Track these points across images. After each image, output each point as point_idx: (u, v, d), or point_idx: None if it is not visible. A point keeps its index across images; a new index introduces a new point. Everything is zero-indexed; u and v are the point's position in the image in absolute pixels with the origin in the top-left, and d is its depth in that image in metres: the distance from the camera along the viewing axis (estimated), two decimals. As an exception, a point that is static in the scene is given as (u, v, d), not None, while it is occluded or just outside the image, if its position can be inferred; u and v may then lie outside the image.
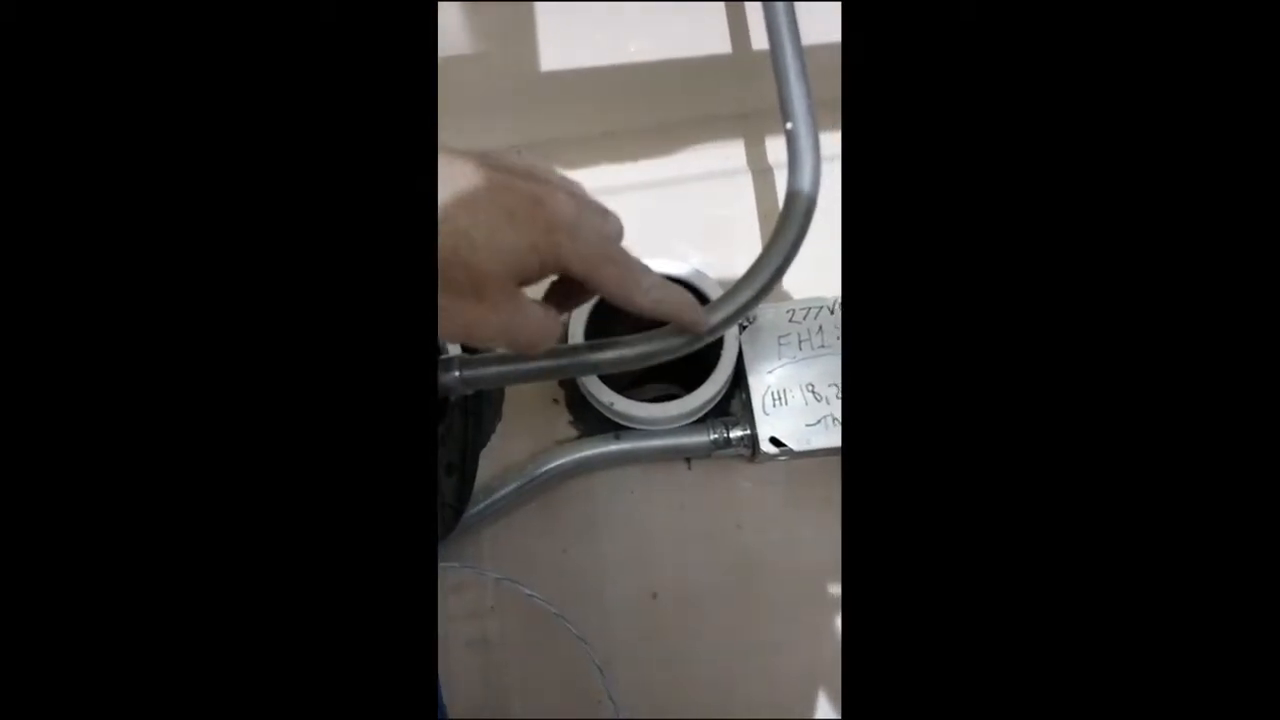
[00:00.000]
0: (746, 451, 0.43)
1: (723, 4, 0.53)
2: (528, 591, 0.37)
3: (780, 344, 0.42)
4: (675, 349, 0.32)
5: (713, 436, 0.42)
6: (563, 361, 0.33)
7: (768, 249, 0.33)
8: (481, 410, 0.40)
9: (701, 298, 0.43)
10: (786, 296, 0.47)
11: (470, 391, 0.34)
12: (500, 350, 0.28)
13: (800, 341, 0.42)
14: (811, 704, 0.43)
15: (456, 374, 0.32)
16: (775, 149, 0.53)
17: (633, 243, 0.51)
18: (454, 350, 0.39)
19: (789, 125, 0.35)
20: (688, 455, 0.45)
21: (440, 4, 0.50)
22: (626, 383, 0.47)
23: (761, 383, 0.42)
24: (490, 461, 0.44)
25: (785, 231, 0.32)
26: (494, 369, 0.33)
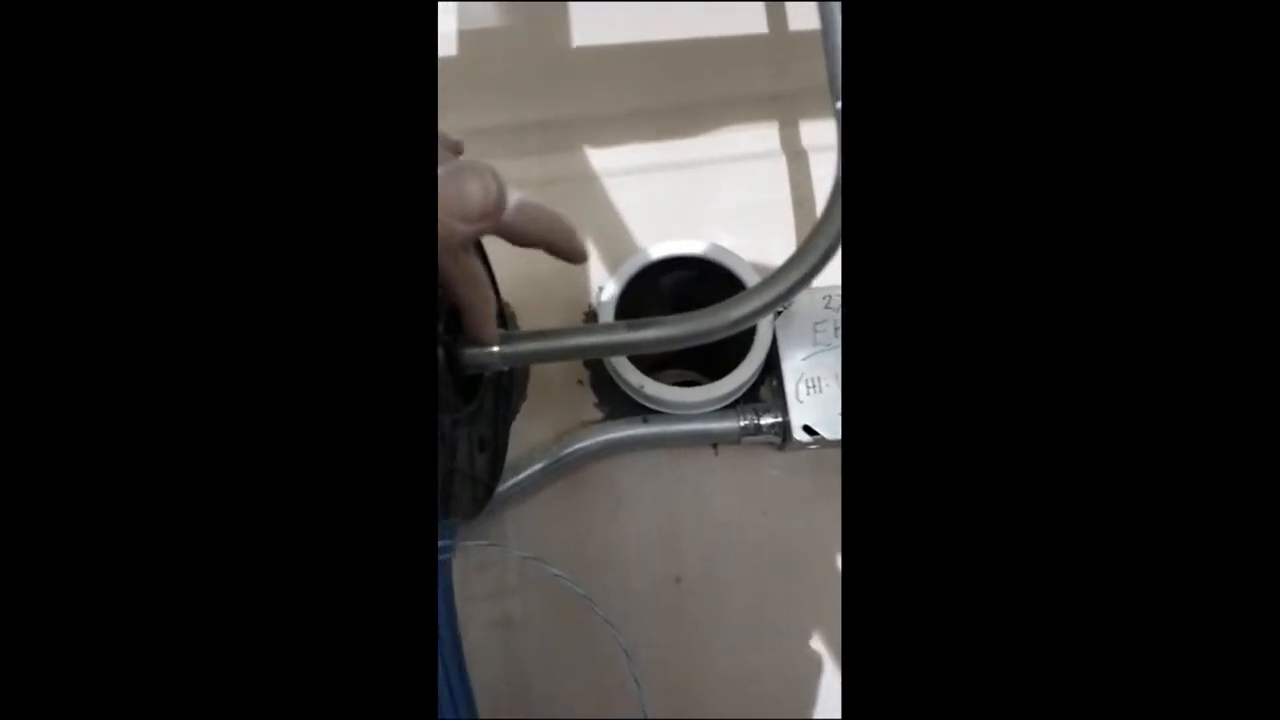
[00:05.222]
0: (776, 439, 0.42)
1: (761, -18, 0.52)
2: (554, 572, 0.37)
3: (815, 330, 0.42)
4: (716, 331, 0.31)
5: (743, 423, 0.42)
6: (600, 339, 0.32)
7: (815, 232, 0.32)
8: (511, 388, 0.40)
9: (737, 283, 0.42)
10: (822, 281, 0.46)
11: (506, 368, 0.34)
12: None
13: (836, 328, 0.42)
14: (834, 695, 0.42)
15: (494, 349, 0.31)
16: (809, 133, 0.52)
17: (665, 224, 0.51)
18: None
19: (839, 105, 0.34)
20: (715, 441, 0.44)
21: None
22: (646, 367, 0.46)
23: (795, 369, 0.41)
24: (514, 442, 0.44)
25: (833, 215, 0.32)
26: (531, 345, 0.32)
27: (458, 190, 0.22)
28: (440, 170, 0.22)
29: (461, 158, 0.27)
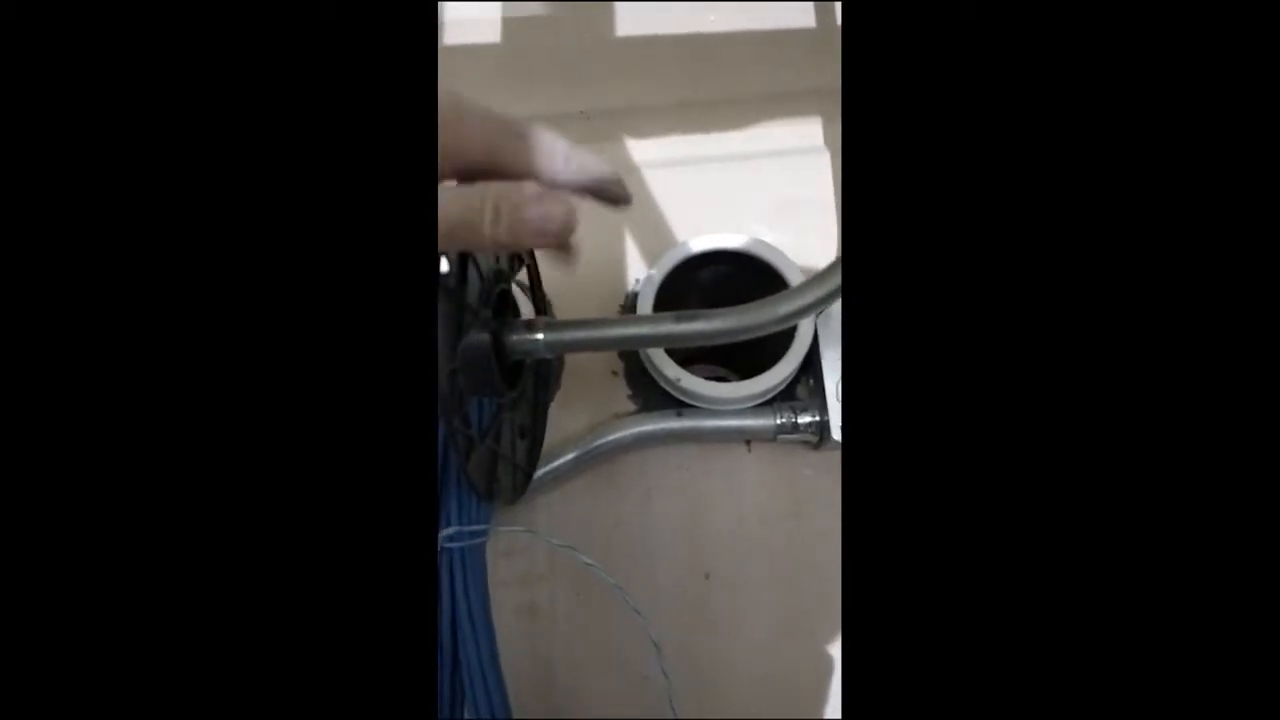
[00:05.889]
0: (813, 438, 0.42)
1: (810, -23, 0.52)
2: (587, 561, 0.36)
3: (856, 330, 0.41)
4: (765, 326, 0.31)
5: (780, 420, 0.42)
6: (647, 330, 0.32)
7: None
8: (549, 377, 0.40)
9: (776, 279, 0.42)
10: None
11: (551, 355, 0.33)
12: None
13: (876, 329, 0.41)
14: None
15: (540, 336, 0.31)
16: (853, 131, 0.51)
17: (703, 217, 0.50)
18: (528, 313, 0.38)
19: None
20: (749, 438, 0.44)
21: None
22: (675, 361, 0.46)
23: (835, 368, 0.41)
24: (548, 431, 0.44)
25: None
26: (577, 334, 0.32)
27: (543, 212, 0.24)
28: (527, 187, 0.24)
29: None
